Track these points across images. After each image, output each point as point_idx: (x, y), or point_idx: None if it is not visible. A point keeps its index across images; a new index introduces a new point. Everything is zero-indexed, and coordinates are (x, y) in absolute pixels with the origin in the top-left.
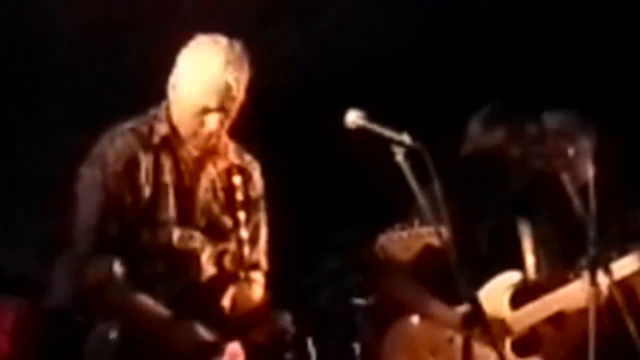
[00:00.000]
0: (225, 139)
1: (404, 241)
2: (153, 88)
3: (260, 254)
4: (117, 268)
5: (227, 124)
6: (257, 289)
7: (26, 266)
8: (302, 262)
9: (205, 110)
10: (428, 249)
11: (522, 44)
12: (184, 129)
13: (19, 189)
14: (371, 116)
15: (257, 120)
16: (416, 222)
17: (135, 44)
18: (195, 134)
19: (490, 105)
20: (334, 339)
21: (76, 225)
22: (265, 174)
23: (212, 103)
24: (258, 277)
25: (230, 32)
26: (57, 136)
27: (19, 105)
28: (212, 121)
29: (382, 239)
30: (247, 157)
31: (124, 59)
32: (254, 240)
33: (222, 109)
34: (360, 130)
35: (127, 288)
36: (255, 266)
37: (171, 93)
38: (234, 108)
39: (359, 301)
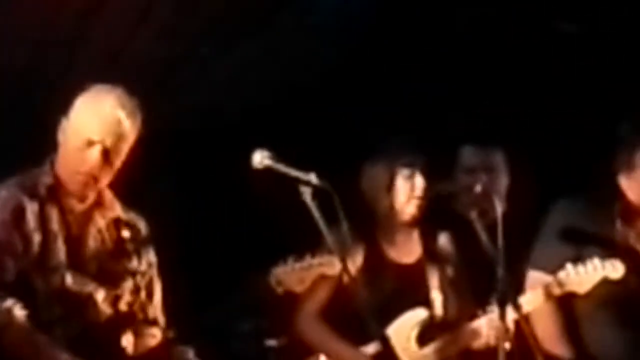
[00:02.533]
0: (109, 194)
1: (298, 273)
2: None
3: (157, 310)
4: (18, 311)
5: (111, 168)
6: (153, 342)
7: None
8: (211, 301)
9: (90, 143)
10: (323, 279)
11: (428, 79)
12: (64, 169)
13: None
14: (278, 156)
15: (166, 163)
16: (308, 254)
17: (30, 100)
18: (76, 172)
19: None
20: None
21: None
22: (174, 212)
23: (96, 134)
24: (156, 332)
25: (134, 81)
26: None
27: None
28: (94, 153)
29: (277, 272)
30: (132, 214)
31: (19, 114)
32: (148, 296)
33: (105, 142)
34: (267, 171)
35: (29, 331)
36: (153, 322)
37: (60, 137)
38: (120, 150)
39: (271, 342)
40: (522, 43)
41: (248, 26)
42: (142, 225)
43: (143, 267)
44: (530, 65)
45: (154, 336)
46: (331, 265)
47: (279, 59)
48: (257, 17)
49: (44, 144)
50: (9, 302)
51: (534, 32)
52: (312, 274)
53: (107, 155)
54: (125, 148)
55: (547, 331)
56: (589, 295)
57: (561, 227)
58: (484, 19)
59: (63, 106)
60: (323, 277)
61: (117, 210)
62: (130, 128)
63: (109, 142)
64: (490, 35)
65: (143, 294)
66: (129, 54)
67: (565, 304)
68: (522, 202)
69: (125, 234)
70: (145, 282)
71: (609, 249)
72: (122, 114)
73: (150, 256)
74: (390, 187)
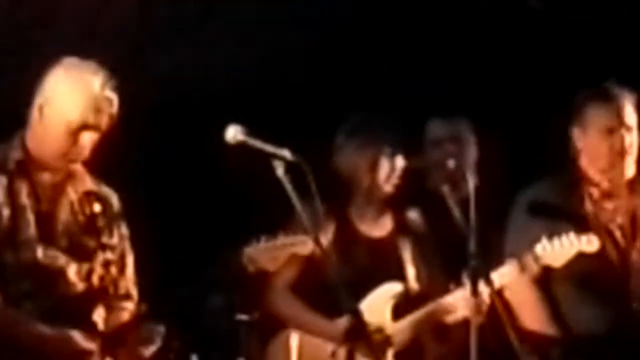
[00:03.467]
0: (80, 167)
1: (270, 252)
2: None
3: (129, 283)
4: None
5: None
6: (126, 315)
7: None
8: (184, 277)
9: (83, 127)
10: (295, 258)
11: (404, 51)
12: (48, 151)
13: None
14: (251, 131)
15: (138, 138)
16: (281, 232)
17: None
18: (63, 155)
19: (354, 117)
20: (218, 356)
21: None
22: (146, 187)
23: (91, 119)
24: (129, 305)
25: (106, 54)
26: None
27: None
28: (87, 138)
29: (249, 251)
30: (104, 187)
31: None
32: (120, 270)
33: (98, 126)
34: (241, 146)
35: None
36: (126, 296)
37: (36, 114)
38: (105, 128)
39: (242, 316)
40: (492, 15)
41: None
42: (114, 199)
43: (114, 240)
44: (499, 38)
45: (126, 309)
46: (304, 245)
47: (257, 34)
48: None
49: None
50: None
51: (505, 7)
52: (285, 253)
53: (97, 136)
54: (110, 122)
55: (526, 308)
56: (565, 274)
57: (534, 206)
58: None
59: (33, 81)
60: (295, 256)
61: (88, 183)
62: (115, 106)
63: (103, 125)
64: (461, 5)
65: (115, 268)
66: (100, 27)
67: (543, 284)
68: (492, 175)
69: (97, 208)
70: (117, 256)
71: (583, 227)
72: (111, 94)
73: (123, 230)
74: (373, 166)
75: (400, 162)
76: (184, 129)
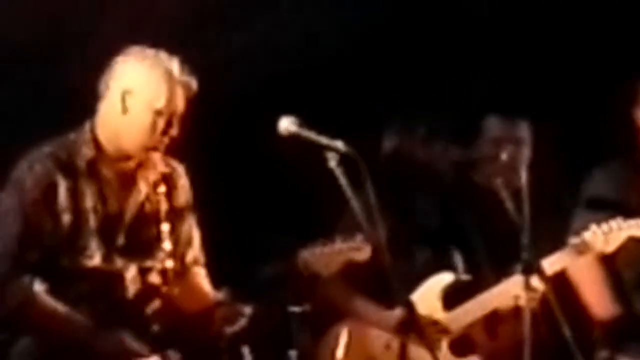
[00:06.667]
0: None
1: (326, 257)
2: (79, 103)
3: (197, 252)
4: (38, 286)
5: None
6: (202, 281)
7: None
8: (236, 269)
9: (169, 114)
10: (350, 264)
11: (455, 48)
12: (132, 143)
13: None
14: (304, 123)
15: (192, 127)
16: (338, 237)
17: (60, 57)
18: (148, 144)
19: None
20: (269, 347)
21: None
22: (198, 180)
23: (176, 105)
24: (200, 270)
25: (160, 40)
26: None
27: None
28: (172, 125)
29: (304, 254)
30: (173, 163)
31: (50, 72)
32: (187, 243)
33: (181, 111)
34: (293, 137)
35: (50, 304)
36: (195, 263)
37: (117, 106)
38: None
39: (294, 308)
40: (548, 12)
41: None
42: (182, 173)
43: (177, 226)
44: (557, 34)
45: (200, 275)
46: (360, 251)
47: (304, 25)
48: None
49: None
50: (28, 278)
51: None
52: (341, 259)
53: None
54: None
55: (589, 286)
56: (627, 257)
57: (595, 197)
58: None
59: (93, 69)
60: (351, 262)
61: (159, 166)
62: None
63: (183, 110)
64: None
65: (182, 243)
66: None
67: (609, 264)
68: (546, 173)
69: (161, 189)
70: (182, 236)
71: None
72: (189, 78)
73: (187, 209)
74: (428, 150)
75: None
76: (234, 119)
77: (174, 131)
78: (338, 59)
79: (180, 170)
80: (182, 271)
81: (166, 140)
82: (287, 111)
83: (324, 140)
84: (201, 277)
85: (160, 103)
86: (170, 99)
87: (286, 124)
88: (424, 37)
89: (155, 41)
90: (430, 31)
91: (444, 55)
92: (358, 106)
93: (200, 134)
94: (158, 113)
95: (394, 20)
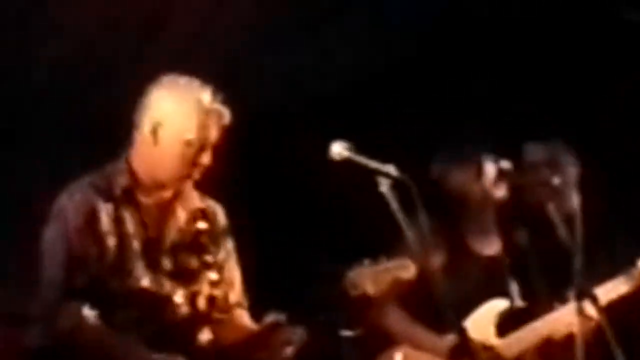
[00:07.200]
0: (189, 184)
1: (373, 276)
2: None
3: (239, 294)
4: (87, 311)
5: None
6: (241, 326)
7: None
8: (286, 294)
9: (200, 145)
10: (397, 283)
11: (504, 72)
12: (164, 173)
13: None
14: (356, 147)
15: (244, 150)
16: (384, 257)
17: (104, 86)
18: (181, 175)
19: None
20: None
21: (43, 282)
22: (251, 203)
23: (207, 136)
24: (242, 314)
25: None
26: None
27: None
28: (204, 155)
29: (351, 275)
30: (209, 201)
31: (92, 103)
32: (229, 284)
33: (213, 141)
34: (345, 162)
35: (100, 329)
36: (238, 305)
37: (148, 137)
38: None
39: (346, 333)
40: (585, 33)
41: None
42: (220, 213)
43: (221, 255)
44: (594, 55)
45: (242, 318)
46: (407, 269)
47: (352, 48)
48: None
49: (115, 135)
50: (77, 304)
51: (599, 21)
52: (387, 278)
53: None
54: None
55: None
56: None
57: None
58: (547, 9)
59: (134, 97)
60: (398, 281)
61: (196, 200)
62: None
63: (215, 139)
64: (554, 25)
65: (224, 285)
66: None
67: None
68: (591, 194)
69: (202, 225)
70: (224, 273)
71: None
72: (221, 107)
73: (229, 244)
74: (478, 172)
75: (506, 164)
76: (283, 142)
77: (206, 160)
78: (384, 83)
79: (217, 208)
80: (227, 309)
81: (199, 169)
82: (337, 135)
83: (375, 165)
84: (245, 319)
85: (191, 134)
86: (201, 129)
87: (338, 149)
88: (472, 59)
89: (205, 67)
90: (471, 56)
91: (484, 79)
92: (405, 129)
93: (253, 157)
94: (188, 144)
95: (442, 41)
